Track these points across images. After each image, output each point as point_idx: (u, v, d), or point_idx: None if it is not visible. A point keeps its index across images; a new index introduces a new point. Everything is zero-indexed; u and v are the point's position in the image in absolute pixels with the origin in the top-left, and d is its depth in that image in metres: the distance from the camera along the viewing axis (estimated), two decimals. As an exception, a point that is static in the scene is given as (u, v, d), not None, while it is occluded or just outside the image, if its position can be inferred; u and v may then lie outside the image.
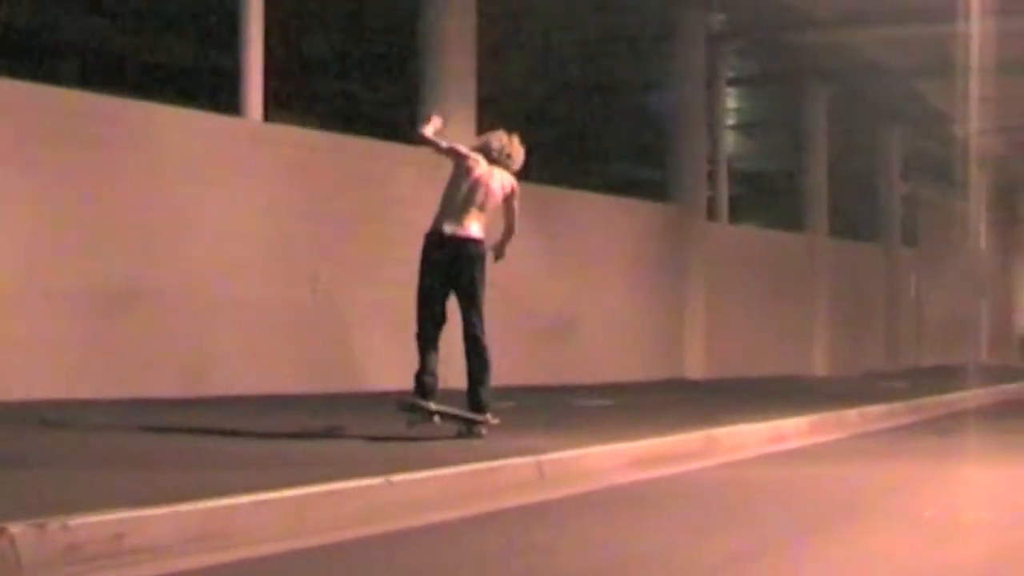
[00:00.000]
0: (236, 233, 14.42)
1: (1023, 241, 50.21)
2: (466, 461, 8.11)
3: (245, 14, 14.65)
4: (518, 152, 9.80)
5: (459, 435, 9.41)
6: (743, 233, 26.40)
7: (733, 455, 11.07)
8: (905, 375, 28.84)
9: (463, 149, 9.70)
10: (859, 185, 34.85)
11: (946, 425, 15.47)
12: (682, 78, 23.42)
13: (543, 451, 8.84)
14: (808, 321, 28.36)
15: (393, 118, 20.03)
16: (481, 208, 9.43)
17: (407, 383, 9.65)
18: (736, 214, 29.64)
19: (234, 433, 9.68)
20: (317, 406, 12.65)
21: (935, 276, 39.38)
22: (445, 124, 9.91)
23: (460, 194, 9.42)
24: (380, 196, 16.38)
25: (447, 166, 9.97)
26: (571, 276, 20.39)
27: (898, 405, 16.88)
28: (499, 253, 9.73)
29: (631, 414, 13.59)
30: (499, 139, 9.78)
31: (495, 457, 8.40)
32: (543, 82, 26.46)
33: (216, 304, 14.10)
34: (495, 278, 9.97)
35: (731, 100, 30.74)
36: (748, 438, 12.11)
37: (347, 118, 21.67)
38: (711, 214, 24.85)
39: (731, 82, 27.40)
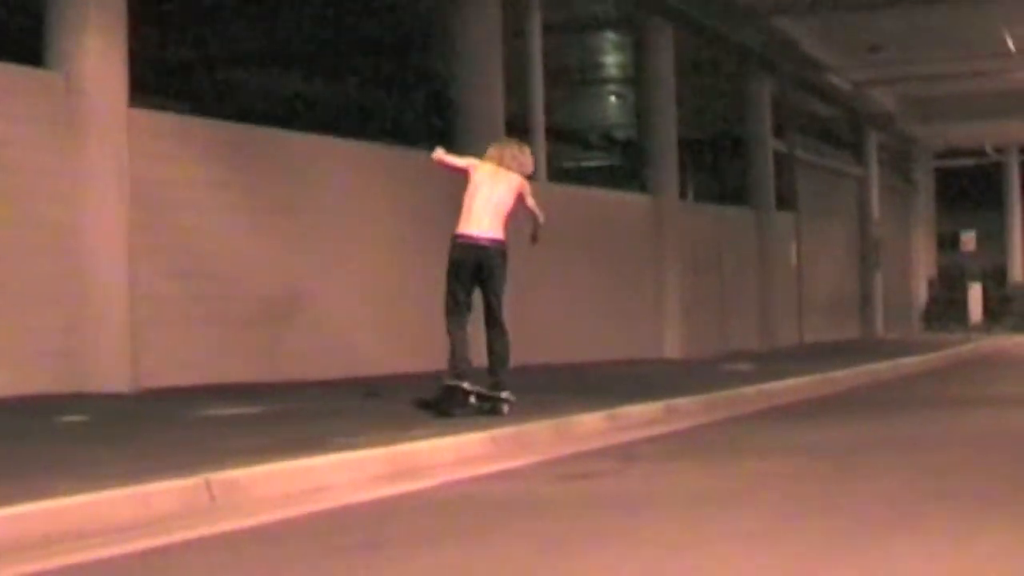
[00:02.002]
0: None
1: (920, 207, 45.95)
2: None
3: None
4: (527, 158, 10.67)
5: (484, 412, 9.97)
6: (564, 193, 21.73)
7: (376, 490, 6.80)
8: (770, 356, 24.40)
9: (471, 164, 10.58)
10: (729, 144, 30.44)
11: (719, 433, 10.74)
12: (472, 25, 18.89)
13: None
14: (656, 296, 23.85)
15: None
16: (496, 210, 10.20)
17: None
18: (616, 186, 25.32)
19: None
20: None
21: (821, 245, 34.98)
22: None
23: (477, 201, 10.22)
24: None
25: None
26: (308, 246, 15.73)
27: (692, 401, 12.31)
28: (535, 237, 10.62)
29: (300, 421, 9.14)
30: (510, 148, 10.67)
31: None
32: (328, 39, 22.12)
33: None
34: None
35: (570, 51, 26.41)
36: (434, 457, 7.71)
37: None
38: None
39: (555, 30, 22.69)
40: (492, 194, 10.18)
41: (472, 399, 9.94)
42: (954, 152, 45.97)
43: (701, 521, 5.80)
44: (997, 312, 44.73)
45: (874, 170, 38.83)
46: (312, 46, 23.39)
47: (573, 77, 30.77)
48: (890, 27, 30.00)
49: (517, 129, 20.60)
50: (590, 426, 9.91)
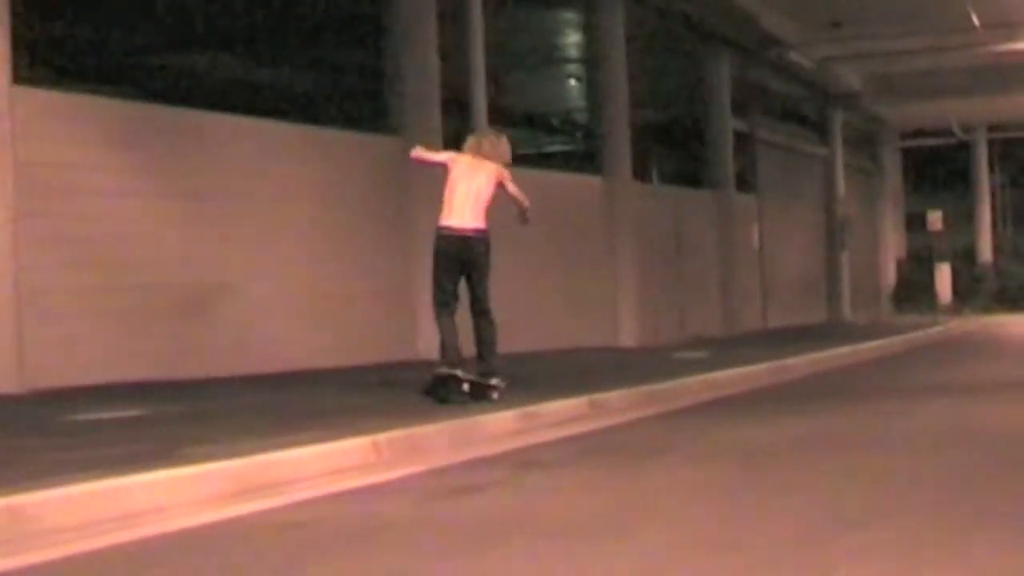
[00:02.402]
0: None
1: (888, 188, 45.00)
2: None
3: None
4: (504, 147, 10.71)
5: (475, 399, 9.96)
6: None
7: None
8: (729, 342, 23.40)
9: (450, 157, 10.68)
10: (694, 126, 29.42)
11: (643, 432, 9.58)
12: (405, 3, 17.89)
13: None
14: (610, 282, 22.80)
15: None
16: (477, 200, 10.32)
17: None
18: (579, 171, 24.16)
19: None
20: None
21: (785, 227, 33.99)
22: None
23: (457, 193, 10.33)
24: None
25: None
26: (224, 234, 14.65)
27: (623, 395, 11.25)
28: (523, 219, 10.83)
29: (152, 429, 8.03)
30: (488, 138, 10.79)
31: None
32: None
33: None
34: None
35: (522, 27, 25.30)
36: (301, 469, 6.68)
37: None
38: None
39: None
40: (471, 186, 10.33)
41: (465, 387, 10.06)
42: (921, 132, 45.05)
43: (564, 559, 4.70)
44: (967, 292, 43.85)
45: (839, 150, 37.84)
46: (243, 26, 22.25)
47: (533, 59, 29.75)
48: (851, 2, 28.99)
49: (463, 110, 19.66)
50: (497, 427, 8.83)
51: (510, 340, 19.33)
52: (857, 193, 41.48)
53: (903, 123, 42.71)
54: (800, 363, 16.67)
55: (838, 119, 37.65)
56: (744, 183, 30.30)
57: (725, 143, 28.29)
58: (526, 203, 10.72)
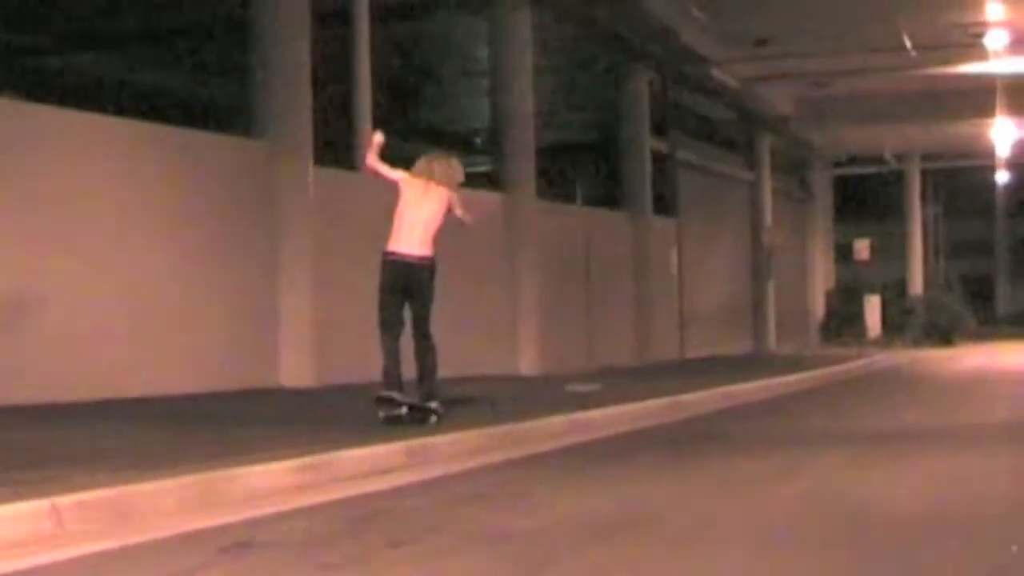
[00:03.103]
0: None
1: (818, 216, 43.52)
2: None
3: None
4: (455, 170, 10.57)
5: (414, 422, 9.97)
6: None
7: None
8: (636, 372, 21.64)
9: (403, 178, 10.42)
10: (604, 140, 27.79)
11: (444, 494, 7.39)
12: (276, 8, 16.06)
13: None
14: (510, 306, 21.03)
15: None
16: (426, 226, 10.28)
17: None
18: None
19: None
20: None
21: (707, 253, 32.38)
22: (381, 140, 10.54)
23: (406, 220, 10.28)
24: None
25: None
26: (48, 241, 12.78)
27: (459, 439, 9.35)
28: (467, 223, 10.65)
29: None
30: (439, 162, 10.52)
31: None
32: None
33: None
34: None
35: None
36: None
37: None
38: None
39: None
40: (420, 213, 10.28)
41: (403, 410, 10.08)
42: (854, 159, 43.69)
43: None
44: (897, 325, 42.43)
45: (767, 175, 36.30)
46: (113, 29, 20.53)
47: (450, 72, 28.00)
48: (777, 19, 27.45)
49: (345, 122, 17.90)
50: (264, 482, 6.88)
51: (352, 370, 17.14)
52: (786, 221, 39.96)
53: (834, 149, 41.28)
54: (699, 399, 14.92)
55: (765, 143, 36.12)
56: (664, 206, 28.65)
57: (642, 163, 26.60)
58: (470, 225, 10.72)
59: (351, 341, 15.40)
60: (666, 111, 28.66)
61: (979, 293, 60.59)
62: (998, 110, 32.88)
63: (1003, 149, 37.65)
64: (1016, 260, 69.26)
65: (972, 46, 27.71)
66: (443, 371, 18.15)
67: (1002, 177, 48.27)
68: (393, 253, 10.26)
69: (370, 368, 14.17)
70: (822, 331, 42.70)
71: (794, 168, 42.46)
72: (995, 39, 27.18)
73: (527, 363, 21.01)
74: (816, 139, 38.30)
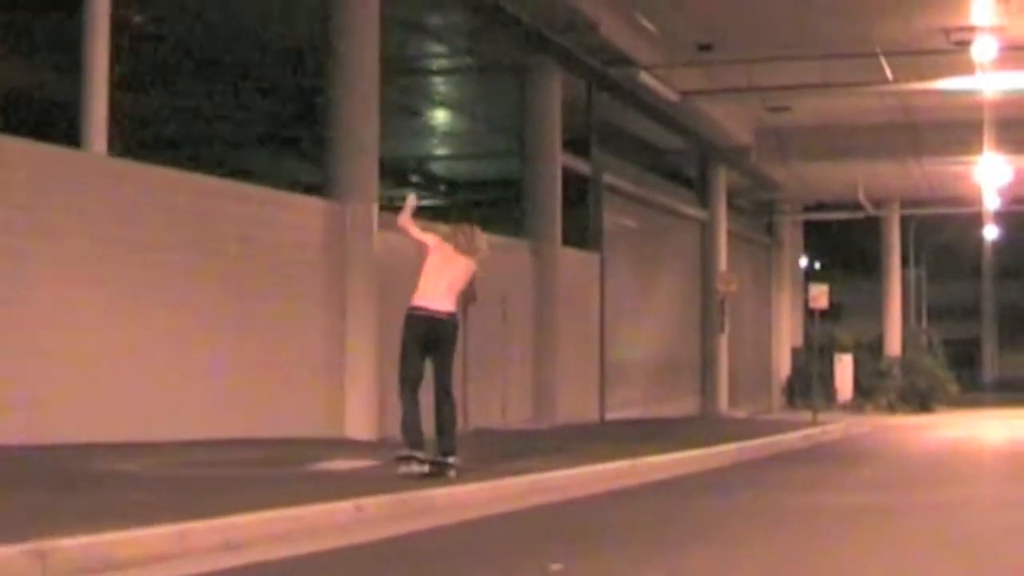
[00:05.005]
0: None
1: (785, 265, 37.90)
2: None
3: None
4: (481, 242, 10.50)
5: (432, 476, 9.79)
6: (161, 178, 13.04)
7: None
8: (501, 440, 15.94)
9: (431, 238, 10.53)
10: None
11: None
12: None
13: None
14: (336, 349, 15.40)
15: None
16: (451, 285, 10.23)
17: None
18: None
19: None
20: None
21: (643, 298, 26.76)
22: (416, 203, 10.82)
23: (433, 278, 10.20)
24: None
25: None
26: None
27: None
28: (472, 297, 10.74)
29: None
30: (464, 232, 10.48)
31: None
32: None
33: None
34: None
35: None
36: None
37: None
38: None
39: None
40: (445, 274, 10.23)
41: (426, 468, 9.81)
42: (824, 205, 38.17)
43: None
44: (870, 388, 36.79)
45: (722, 214, 30.70)
46: None
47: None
48: (723, 20, 22.03)
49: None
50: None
51: (155, 428, 12.25)
52: (748, 269, 34.39)
53: (803, 191, 35.69)
54: (567, 480, 9.40)
55: (721, 177, 30.56)
56: (585, 238, 23.12)
57: (551, 180, 21.01)
58: (475, 298, 10.74)
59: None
60: (593, 126, 23.15)
61: (964, 358, 55.17)
62: (985, 144, 27.35)
63: (991, 193, 32.03)
64: (1004, 325, 63.71)
65: (955, 55, 22.21)
66: (245, 430, 12.97)
67: (990, 233, 42.77)
68: (418, 308, 10.15)
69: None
70: (786, 392, 37.00)
71: (759, 212, 36.95)
72: (982, 48, 21.66)
73: (356, 423, 15.38)
74: (780, 176, 32.72)
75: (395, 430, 16.49)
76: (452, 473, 9.95)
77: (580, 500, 9.90)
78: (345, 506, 7.59)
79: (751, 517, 8.91)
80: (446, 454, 10.09)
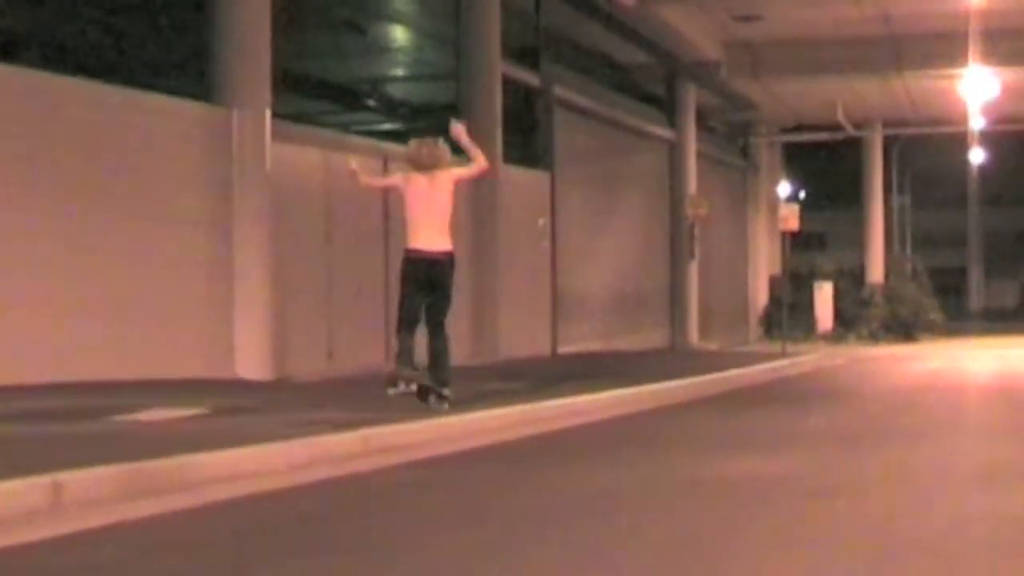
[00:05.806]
0: None
1: (761, 192, 35.64)
2: None
3: None
4: (443, 153, 9.99)
5: (430, 404, 9.70)
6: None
7: None
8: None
9: (397, 179, 10.34)
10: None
11: None
12: None
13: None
14: (220, 276, 13.22)
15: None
16: (441, 220, 9.88)
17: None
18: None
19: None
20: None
21: (602, 223, 24.54)
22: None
23: (416, 214, 9.88)
24: None
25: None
26: None
27: None
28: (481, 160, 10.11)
29: None
30: (423, 147, 9.99)
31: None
32: None
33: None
34: None
35: None
36: None
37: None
38: None
39: None
40: (432, 205, 9.85)
41: (413, 387, 9.69)
42: (803, 127, 35.85)
43: None
44: (852, 318, 34.71)
45: (691, 134, 28.41)
46: None
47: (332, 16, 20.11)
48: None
49: None
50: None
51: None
52: (722, 193, 32.17)
53: (779, 111, 33.35)
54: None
55: (690, 95, 28.22)
56: (534, 156, 20.90)
57: (491, 91, 18.72)
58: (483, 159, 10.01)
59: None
60: (538, 28, 20.85)
61: (950, 287, 53.21)
62: (970, 56, 25.08)
63: (976, 110, 29.73)
64: (991, 253, 61.67)
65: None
66: (121, 372, 10.94)
67: (976, 157, 40.57)
68: (415, 251, 9.84)
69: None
70: (763, 323, 34.89)
71: (734, 134, 34.65)
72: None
73: (249, 362, 13.25)
74: (754, 94, 30.39)
75: (296, 369, 14.55)
76: (445, 405, 9.64)
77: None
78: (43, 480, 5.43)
79: (619, 500, 6.22)
80: (441, 385, 9.81)
